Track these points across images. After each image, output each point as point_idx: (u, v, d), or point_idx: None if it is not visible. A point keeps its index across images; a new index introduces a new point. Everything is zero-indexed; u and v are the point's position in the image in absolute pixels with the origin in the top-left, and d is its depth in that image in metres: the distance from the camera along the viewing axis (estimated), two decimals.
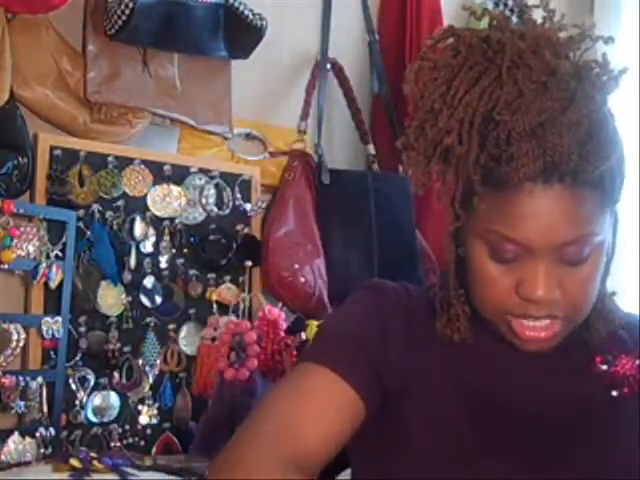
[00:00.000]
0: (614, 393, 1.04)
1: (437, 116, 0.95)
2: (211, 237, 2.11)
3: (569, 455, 1.02)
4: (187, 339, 2.05)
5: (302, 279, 2.13)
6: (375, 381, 1.02)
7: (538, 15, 1.01)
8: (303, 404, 1.00)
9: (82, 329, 1.91)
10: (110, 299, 1.94)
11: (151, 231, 2.03)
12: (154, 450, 1.96)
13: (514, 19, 2.41)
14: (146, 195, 2.03)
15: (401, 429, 1.03)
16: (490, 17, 0.99)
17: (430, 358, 1.05)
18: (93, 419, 1.91)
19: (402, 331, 1.05)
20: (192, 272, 2.09)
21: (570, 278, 0.96)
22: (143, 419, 1.97)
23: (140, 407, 1.97)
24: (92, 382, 1.91)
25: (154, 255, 2.03)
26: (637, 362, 1.05)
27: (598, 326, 1.04)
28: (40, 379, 1.78)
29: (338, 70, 2.39)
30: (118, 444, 1.91)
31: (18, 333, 1.76)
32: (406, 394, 1.03)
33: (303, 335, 1.95)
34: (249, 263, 2.13)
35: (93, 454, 1.64)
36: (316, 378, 1.01)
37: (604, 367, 1.05)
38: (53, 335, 1.82)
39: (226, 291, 2.11)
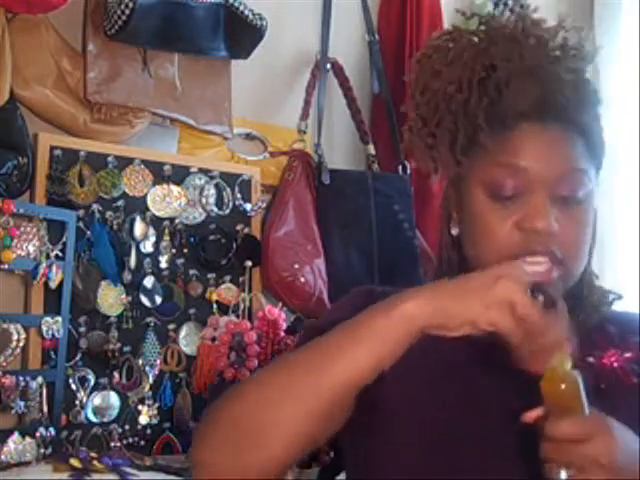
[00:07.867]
0: (603, 386, 1.05)
1: (439, 75, 1.07)
2: (211, 237, 2.11)
3: None
4: (187, 339, 2.05)
5: (302, 279, 2.13)
6: None
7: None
8: None
9: (82, 329, 1.91)
10: (110, 299, 1.94)
11: (151, 231, 2.02)
12: (154, 450, 1.96)
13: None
14: (146, 195, 2.03)
15: (385, 417, 1.05)
16: (479, 18, 1.10)
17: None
18: (93, 419, 1.90)
19: None
20: (192, 272, 2.09)
21: (566, 216, 1.03)
22: (143, 419, 1.97)
23: (140, 407, 1.97)
24: (92, 382, 1.90)
25: (154, 255, 2.03)
26: (625, 355, 1.07)
27: (589, 302, 1.10)
28: (40, 379, 1.77)
29: (338, 70, 2.38)
30: (118, 444, 1.91)
31: (18, 333, 1.76)
32: (383, 382, 1.03)
33: None
34: (249, 263, 2.13)
35: (93, 454, 1.64)
36: None
37: (591, 360, 1.06)
38: (53, 335, 1.81)
39: (226, 291, 2.11)
